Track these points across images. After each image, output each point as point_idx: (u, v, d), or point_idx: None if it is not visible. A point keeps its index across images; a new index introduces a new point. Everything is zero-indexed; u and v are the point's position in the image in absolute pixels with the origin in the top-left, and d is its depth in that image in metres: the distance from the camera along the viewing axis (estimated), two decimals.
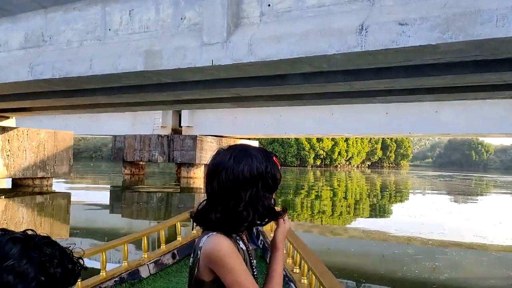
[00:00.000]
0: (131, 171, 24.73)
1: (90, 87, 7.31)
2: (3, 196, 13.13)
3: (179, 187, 20.41)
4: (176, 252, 3.30)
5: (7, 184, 15.31)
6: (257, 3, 4.98)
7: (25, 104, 10.64)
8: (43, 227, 9.14)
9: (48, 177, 15.08)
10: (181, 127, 23.46)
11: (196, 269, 1.13)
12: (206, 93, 7.54)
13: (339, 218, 12.65)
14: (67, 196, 14.72)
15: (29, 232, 0.84)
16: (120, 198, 15.91)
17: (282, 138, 50.25)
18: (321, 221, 11.85)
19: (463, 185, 30.72)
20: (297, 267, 2.88)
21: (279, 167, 1.20)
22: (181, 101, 9.10)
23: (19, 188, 14.63)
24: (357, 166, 65.60)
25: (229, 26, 4.99)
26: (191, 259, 1.18)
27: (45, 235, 0.88)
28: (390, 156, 72.87)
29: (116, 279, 2.99)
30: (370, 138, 62.75)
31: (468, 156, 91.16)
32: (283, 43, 4.62)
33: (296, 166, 53.67)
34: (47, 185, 15.25)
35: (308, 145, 53.91)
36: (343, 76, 5.48)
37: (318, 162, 57.44)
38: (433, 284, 5.70)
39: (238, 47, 4.89)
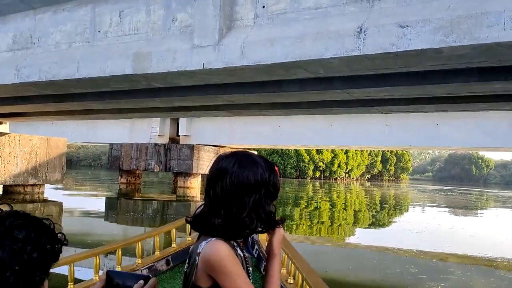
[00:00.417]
0: (127, 180, 24.40)
1: (79, 92, 7.07)
2: None
3: (175, 196, 20.09)
4: (170, 259, 3.18)
5: None
6: (251, 5, 4.76)
7: (16, 108, 10.40)
8: None
9: (40, 184, 14.76)
10: (179, 136, 23.22)
11: (193, 275, 1.12)
12: (200, 99, 7.30)
13: (338, 232, 12.29)
14: (59, 205, 14.37)
15: (3, 209, 0.78)
16: (114, 207, 15.61)
17: (281, 149, 49.99)
18: (319, 232, 11.50)
19: (465, 199, 30.30)
20: (291, 277, 2.76)
21: (279, 177, 1.21)
22: (175, 108, 8.87)
23: (10, 195, 14.29)
24: (357, 179, 65.20)
25: (222, 28, 4.76)
26: (186, 265, 1.18)
27: (20, 212, 0.81)
28: (390, 170, 72.53)
29: None
30: (370, 151, 62.51)
31: (468, 170, 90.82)
32: (277, 46, 4.38)
33: (295, 178, 53.25)
34: (38, 193, 14.91)
35: (308, 156, 53.60)
36: (341, 83, 5.23)
37: (318, 174, 57.05)
38: None
39: (230, 50, 4.65)
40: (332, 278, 6.11)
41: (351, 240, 11.19)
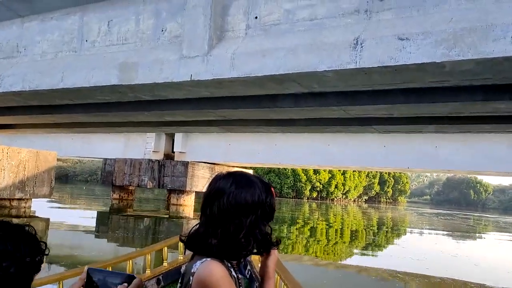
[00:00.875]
0: (119, 195, 23.90)
1: (65, 103, 6.81)
2: None
3: (168, 214, 19.59)
4: (161, 278, 3.15)
5: None
6: (243, 15, 4.54)
7: (2, 120, 10.11)
8: None
9: (27, 199, 14.30)
10: (174, 152, 22.87)
11: None
12: (191, 114, 7.04)
13: (333, 258, 11.82)
14: (45, 220, 13.88)
15: None
16: (104, 223, 15.15)
17: (278, 169, 49.55)
18: (314, 254, 11.04)
19: (466, 225, 29.76)
20: None
21: (275, 197, 1.21)
22: (166, 122, 8.59)
23: None
24: (354, 200, 64.53)
25: (212, 39, 4.53)
26: (179, 284, 1.18)
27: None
28: (388, 192, 71.90)
29: None
30: (368, 173, 62.08)
31: (467, 194, 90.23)
32: (269, 58, 4.13)
33: (292, 198, 52.60)
34: (25, 207, 14.43)
35: (305, 176, 53.11)
36: (336, 99, 4.98)
37: (314, 195, 56.43)
38: None
39: (219, 61, 4.40)
40: None
41: (350, 270, 10.71)
